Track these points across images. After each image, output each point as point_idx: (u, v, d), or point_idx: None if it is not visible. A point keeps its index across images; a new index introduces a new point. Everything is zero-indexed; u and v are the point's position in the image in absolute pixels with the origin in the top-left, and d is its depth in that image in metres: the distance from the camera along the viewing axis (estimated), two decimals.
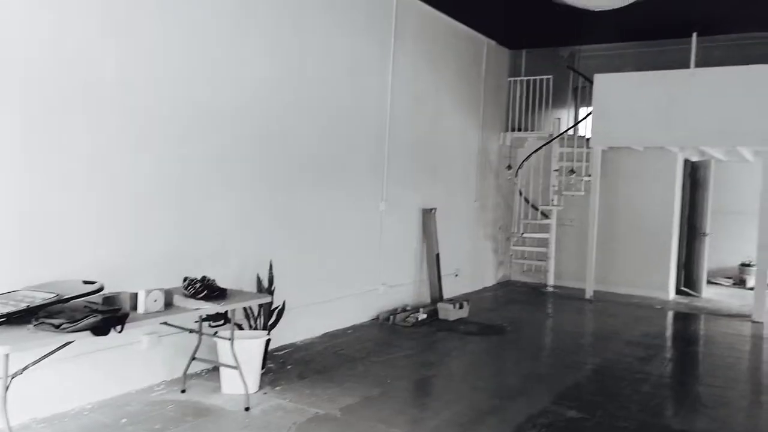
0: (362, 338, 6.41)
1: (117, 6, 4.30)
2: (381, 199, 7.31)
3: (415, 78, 7.83)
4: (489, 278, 10.11)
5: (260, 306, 5.10)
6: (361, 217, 7.03)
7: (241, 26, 5.31)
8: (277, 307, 5.27)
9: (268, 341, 4.96)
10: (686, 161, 9.96)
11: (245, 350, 4.47)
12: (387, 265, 7.44)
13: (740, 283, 10.73)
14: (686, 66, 8.71)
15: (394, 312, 7.19)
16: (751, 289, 9.33)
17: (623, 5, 6.18)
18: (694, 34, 8.54)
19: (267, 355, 5.02)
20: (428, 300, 8.04)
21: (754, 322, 7.97)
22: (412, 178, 7.90)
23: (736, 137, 8.36)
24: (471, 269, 9.48)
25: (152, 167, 4.60)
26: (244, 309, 5.05)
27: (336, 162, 6.55)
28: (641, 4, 5.92)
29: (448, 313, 7.38)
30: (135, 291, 3.66)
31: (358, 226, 6.97)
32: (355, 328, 6.79)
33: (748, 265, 10.40)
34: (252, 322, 5.13)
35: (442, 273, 8.20)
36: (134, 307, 3.61)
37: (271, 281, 5.31)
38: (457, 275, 8.91)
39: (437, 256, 8.10)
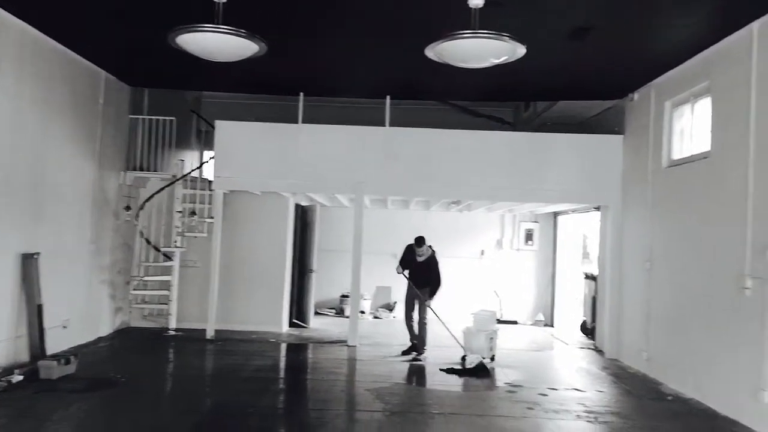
0: None
1: None
2: None
3: (15, 108, 6.91)
4: (105, 327, 9.40)
5: None
6: None
7: None
8: None
9: None
10: (297, 205, 11.11)
11: None
12: None
13: (341, 312, 12.37)
14: (297, 121, 9.76)
15: None
16: (347, 317, 10.82)
17: (238, 59, 6.61)
18: (302, 94, 9.67)
19: None
20: (27, 358, 7.05)
21: (348, 346, 9.26)
22: (9, 218, 6.90)
23: (335, 186, 9.74)
24: (84, 318, 8.68)
25: None
26: None
27: None
28: (257, 61, 6.45)
29: (51, 371, 6.58)
30: None
31: None
32: None
33: (346, 296, 12.06)
34: None
35: (47, 326, 7.30)
36: None
37: None
38: (65, 327, 8.04)
39: (39, 306, 7.19)
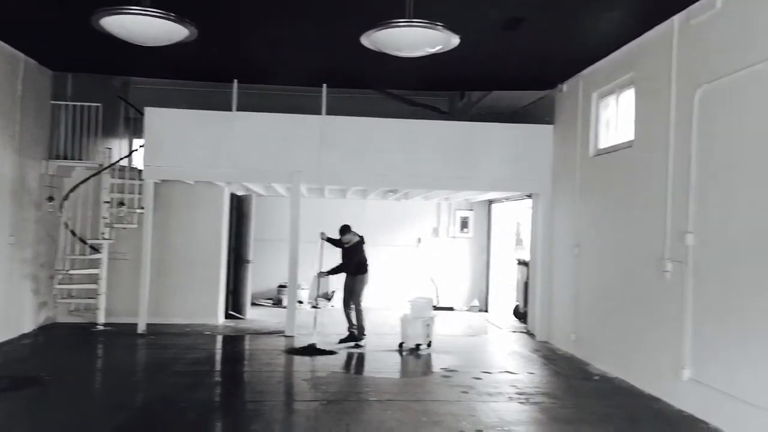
0: None
1: None
2: None
3: None
4: (28, 323, 8.96)
5: None
6: None
7: None
8: None
9: None
10: (232, 195, 10.89)
11: None
12: None
13: (278, 302, 12.25)
14: (231, 108, 9.54)
15: None
16: (285, 307, 10.71)
17: (167, 44, 6.39)
18: (236, 81, 9.46)
19: None
20: None
21: (286, 336, 9.19)
22: None
23: (271, 175, 9.60)
24: (4, 315, 8.25)
25: None
26: None
27: None
28: (187, 46, 6.24)
29: None
30: None
31: None
32: None
33: (284, 287, 11.94)
34: None
35: None
36: None
37: None
38: None
39: None
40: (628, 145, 7.27)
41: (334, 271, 9.10)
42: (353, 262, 9.02)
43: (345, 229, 9.08)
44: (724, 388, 5.32)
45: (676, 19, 6.26)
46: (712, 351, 5.54)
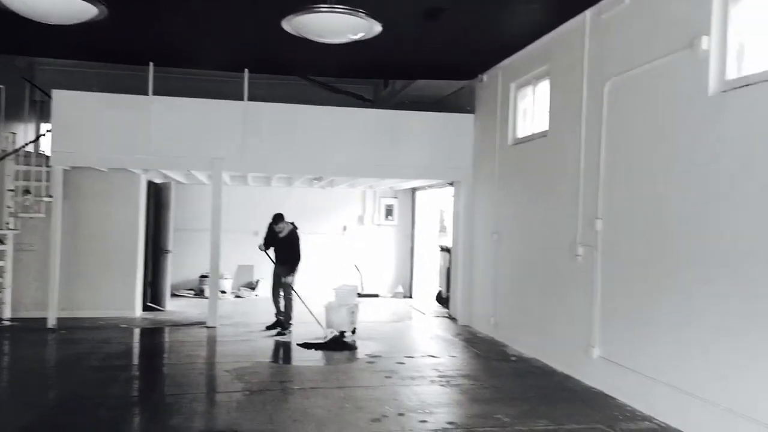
0: None
1: None
2: None
3: None
4: None
5: None
6: None
7: None
8: None
9: None
10: (150, 183, 10.49)
11: None
12: None
13: (200, 293, 11.95)
14: (147, 92, 9.15)
15: None
16: (207, 297, 10.47)
17: (75, 23, 6.06)
18: (151, 64, 9.08)
19: None
20: None
21: (208, 327, 9.00)
22: None
23: (191, 162, 9.31)
24: None
25: None
26: None
27: None
28: (98, 25, 5.93)
29: None
30: None
31: None
32: None
33: (206, 277, 11.65)
34: None
35: None
36: None
37: None
38: None
39: None
40: (544, 134, 7.55)
41: (293, 267, 8.86)
42: (297, 250, 8.89)
43: (278, 218, 8.94)
44: (629, 365, 5.66)
45: (588, 13, 6.53)
46: (619, 330, 5.87)
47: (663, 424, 5.08)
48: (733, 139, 4.58)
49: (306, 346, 7.94)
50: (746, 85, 4.50)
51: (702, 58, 4.86)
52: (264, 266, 9.20)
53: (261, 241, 9.14)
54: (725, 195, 4.64)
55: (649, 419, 5.21)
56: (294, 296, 8.87)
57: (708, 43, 4.80)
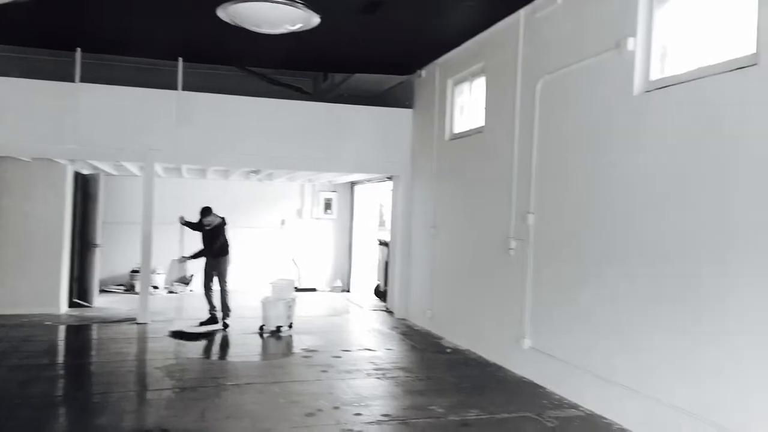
0: None
1: None
2: None
3: None
4: None
5: None
6: None
7: None
8: None
9: None
10: (77, 174, 10.05)
11: None
12: None
13: (131, 289, 11.56)
14: (74, 79, 8.74)
15: None
16: (138, 293, 10.14)
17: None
18: (79, 50, 8.67)
19: None
20: None
21: (139, 323, 8.72)
22: None
23: (121, 153, 8.97)
24: None
25: None
26: None
27: None
28: (19, 7, 5.63)
29: None
30: None
31: None
32: None
33: (137, 271, 11.27)
34: None
35: None
36: None
37: None
38: None
39: None
40: (479, 130, 7.68)
41: (197, 255, 8.79)
42: (216, 245, 8.77)
43: (206, 211, 8.81)
44: (558, 355, 5.85)
45: (523, 12, 6.67)
46: (548, 321, 6.06)
47: (589, 411, 5.28)
48: (654, 138, 4.79)
49: (178, 335, 7.97)
50: (668, 86, 4.71)
51: (628, 58, 5.06)
52: (199, 260, 8.98)
53: (187, 218, 9.01)
54: (645, 192, 4.85)
55: (576, 407, 5.40)
56: (228, 286, 8.77)
57: (634, 44, 5.00)
